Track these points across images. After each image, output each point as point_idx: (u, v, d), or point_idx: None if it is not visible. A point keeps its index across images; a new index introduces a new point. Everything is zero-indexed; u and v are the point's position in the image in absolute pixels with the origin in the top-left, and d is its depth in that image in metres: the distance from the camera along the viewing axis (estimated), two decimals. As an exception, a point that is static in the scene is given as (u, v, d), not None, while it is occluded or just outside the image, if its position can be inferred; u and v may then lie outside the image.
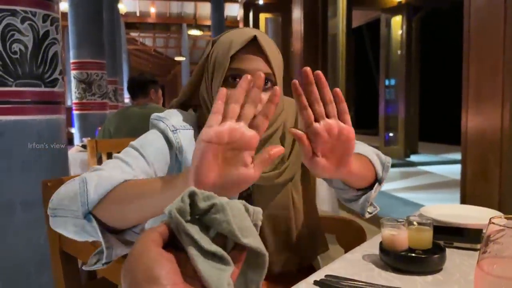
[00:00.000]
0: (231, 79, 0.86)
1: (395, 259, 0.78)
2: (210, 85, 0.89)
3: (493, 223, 0.57)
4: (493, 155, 2.10)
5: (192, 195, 0.43)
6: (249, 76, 0.59)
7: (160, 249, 0.39)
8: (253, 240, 0.43)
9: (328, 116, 0.71)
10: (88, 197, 0.68)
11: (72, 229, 0.71)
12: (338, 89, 0.72)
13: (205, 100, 0.90)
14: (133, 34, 15.23)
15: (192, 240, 0.40)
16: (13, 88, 1.65)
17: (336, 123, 0.71)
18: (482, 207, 1.11)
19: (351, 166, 0.76)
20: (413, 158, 7.11)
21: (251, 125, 0.59)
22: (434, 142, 9.28)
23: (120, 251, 0.70)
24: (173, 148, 0.86)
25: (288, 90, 0.76)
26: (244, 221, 0.44)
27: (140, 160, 0.82)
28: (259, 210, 0.48)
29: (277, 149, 0.60)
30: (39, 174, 1.70)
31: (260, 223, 0.48)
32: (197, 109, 0.97)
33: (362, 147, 0.97)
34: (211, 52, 0.91)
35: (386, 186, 4.99)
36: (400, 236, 0.80)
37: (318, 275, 0.74)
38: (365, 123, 12.00)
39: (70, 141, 4.05)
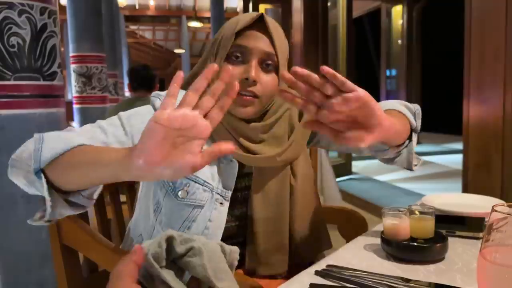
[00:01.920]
0: (234, 57, 0.87)
1: (396, 249, 0.78)
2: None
3: (496, 210, 0.56)
4: (495, 144, 2.09)
5: (170, 239, 0.42)
6: (215, 66, 0.58)
7: (136, 286, 0.39)
8: (227, 284, 0.42)
9: (329, 97, 0.64)
10: (41, 155, 0.70)
11: (23, 182, 0.75)
12: (324, 67, 0.63)
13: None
14: (133, 27, 15.14)
15: (167, 287, 0.40)
16: (12, 82, 1.64)
17: (341, 98, 0.63)
18: (484, 196, 1.10)
19: (385, 124, 0.68)
20: (415, 148, 7.09)
21: (206, 116, 0.57)
22: (436, 132, 9.26)
23: (64, 211, 0.72)
24: None
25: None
26: (219, 263, 0.43)
27: (119, 129, 0.84)
28: (235, 249, 0.47)
29: (226, 146, 0.57)
30: (39, 168, 1.70)
31: (236, 263, 0.47)
32: None
33: (388, 104, 0.93)
34: (218, 35, 0.92)
35: (387, 176, 4.99)
36: (402, 225, 0.80)
37: (320, 265, 0.74)
38: (366, 114, 11.94)
39: (71, 135, 4.05)
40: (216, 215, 0.87)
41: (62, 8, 5.30)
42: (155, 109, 0.88)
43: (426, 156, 6.60)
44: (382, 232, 0.82)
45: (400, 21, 7.05)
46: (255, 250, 0.91)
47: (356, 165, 5.53)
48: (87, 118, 4.32)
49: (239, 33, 0.87)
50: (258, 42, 0.86)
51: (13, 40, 1.64)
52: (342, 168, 4.96)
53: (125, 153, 0.59)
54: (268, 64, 0.86)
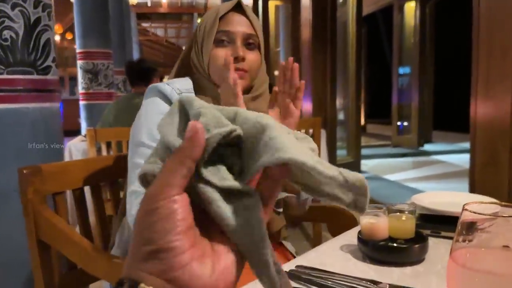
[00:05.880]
0: (220, 41, 0.99)
1: (372, 249, 0.73)
2: (201, 50, 1.01)
3: (467, 209, 0.52)
4: (502, 142, 2.03)
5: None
6: (230, 62, 0.90)
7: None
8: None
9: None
10: None
11: None
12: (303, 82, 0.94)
13: (196, 65, 1.03)
14: (145, 24, 15.21)
15: (205, 182, 0.30)
16: (5, 76, 1.63)
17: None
18: (478, 195, 1.05)
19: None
20: (427, 147, 6.97)
21: None
22: (449, 131, 9.08)
23: None
24: None
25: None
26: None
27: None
28: None
29: (234, 76, 0.89)
30: (33, 162, 1.68)
31: None
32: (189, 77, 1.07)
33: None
34: (200, 24, 1.04)
35: (397, 176, 4.90)
36: (380, 225, 0.75)
37: (289, 266, 0.70)
38: (379, 112, 11.81)
39: (78, 131, 4.06)
40: None
41: (70, 5, 5.33)
42: (165, 96, 0.96)
43: (438, 155, 6.47)
44: (359, 231, 0.78)
45: (413, 18, 6.91)
46: None
47: (366, 164, 5.45)
48: (93, 115, 4.33)
49: (221, 19, 0.98)
50: (241, 26, 0.98)
51: (6, 33, 1.63)
52: (351, 167, 4.89)
53: None
54: (251, 43, 1.00)
